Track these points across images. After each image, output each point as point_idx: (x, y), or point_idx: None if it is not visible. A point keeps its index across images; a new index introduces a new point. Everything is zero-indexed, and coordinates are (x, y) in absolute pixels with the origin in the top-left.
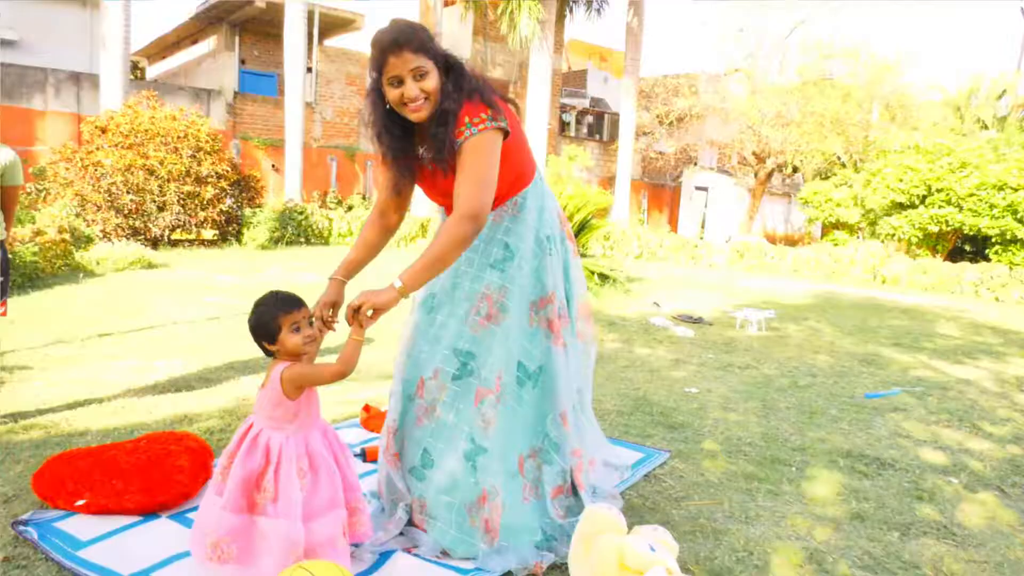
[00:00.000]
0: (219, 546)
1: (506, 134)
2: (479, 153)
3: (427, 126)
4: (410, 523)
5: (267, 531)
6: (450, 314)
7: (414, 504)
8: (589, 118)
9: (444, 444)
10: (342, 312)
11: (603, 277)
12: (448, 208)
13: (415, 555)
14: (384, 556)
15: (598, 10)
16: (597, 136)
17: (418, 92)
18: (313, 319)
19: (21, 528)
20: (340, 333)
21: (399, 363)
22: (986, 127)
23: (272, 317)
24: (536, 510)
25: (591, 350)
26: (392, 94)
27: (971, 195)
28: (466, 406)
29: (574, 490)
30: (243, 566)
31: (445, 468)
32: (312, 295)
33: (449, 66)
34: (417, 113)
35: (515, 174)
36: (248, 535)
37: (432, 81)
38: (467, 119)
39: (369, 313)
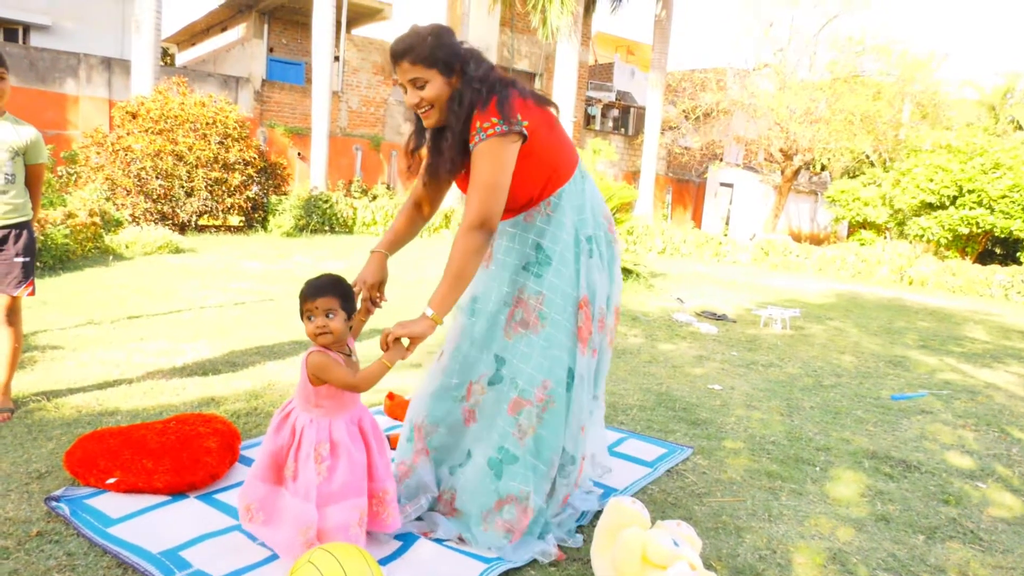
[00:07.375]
0: (250, 510)
1: (524, 138)
2: (486, 159)
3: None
4: (432, 510)
5: (288, 505)
6: (489, 319)
7: (443, 496)
8: (615, 112)
9: (479, 447)
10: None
11: (626, 272)
12: None
13: (436, 540)
14: (407, 543)
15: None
16: (622, 130)
17: (417, 99)
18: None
19: (53, 504)
20: (372, 348)
21: (443, 364)
22: (1020, 127)
23: (300, 300)
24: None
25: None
26: (405, 98)
27: (1003, 197)
28: (499, 414)
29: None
30: (270, 529)
31: (474, 468)
32: None
33: (464, 72)
34: (426, 119)
35: (547, 175)
36: (273, 504)
37: (433, 90)
38: (478, 124)
39: (406, 343)
